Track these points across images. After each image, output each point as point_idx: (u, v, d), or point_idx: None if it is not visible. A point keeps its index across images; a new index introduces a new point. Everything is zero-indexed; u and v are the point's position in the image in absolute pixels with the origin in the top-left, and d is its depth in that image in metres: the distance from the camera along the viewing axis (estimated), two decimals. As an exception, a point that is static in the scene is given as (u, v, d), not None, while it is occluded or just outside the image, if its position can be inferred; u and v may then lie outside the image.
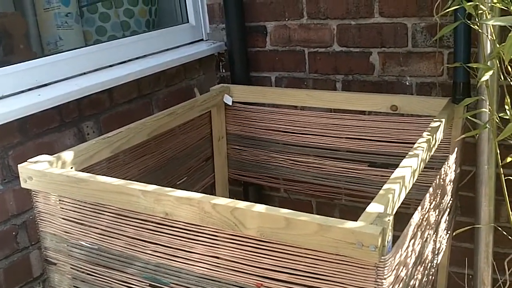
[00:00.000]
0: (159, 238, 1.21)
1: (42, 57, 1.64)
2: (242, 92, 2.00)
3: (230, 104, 1.99)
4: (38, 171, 1.28)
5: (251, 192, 2.24)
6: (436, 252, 1.49)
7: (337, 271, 1.04)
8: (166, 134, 1.75)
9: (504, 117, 1.33)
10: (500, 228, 1.58)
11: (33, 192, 1.33)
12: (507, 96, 1.33)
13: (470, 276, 1.85)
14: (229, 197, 2.12)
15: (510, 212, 1.40)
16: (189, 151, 1.90)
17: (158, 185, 1.20)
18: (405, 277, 1.15)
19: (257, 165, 2.03)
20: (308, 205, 2.22)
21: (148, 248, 1.23)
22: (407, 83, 1.92)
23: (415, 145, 1.33)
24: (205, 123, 1.96)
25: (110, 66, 1.80)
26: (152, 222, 1.20)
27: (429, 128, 1.44)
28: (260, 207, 1.06)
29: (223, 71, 2.24)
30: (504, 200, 1.39)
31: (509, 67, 1.29)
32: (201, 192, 1.81)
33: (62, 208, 1.31)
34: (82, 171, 1.36)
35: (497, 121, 1.33)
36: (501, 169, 1.37)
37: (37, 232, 1.38)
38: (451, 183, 1.59)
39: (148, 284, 1.28)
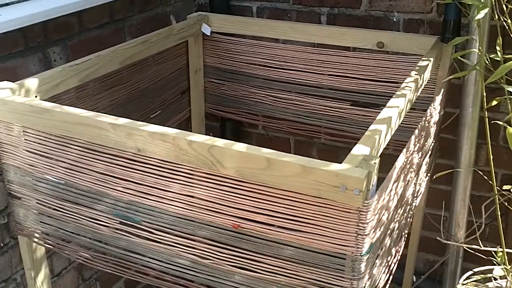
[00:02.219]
0: (131, 175, 1.15)
1: (4, -27, 1.50)
2: (222, 22, 1.90)
3: (209, 34, 1.89)
4: (-1, 98, 1.19)
5: (228, 128, 2.17)
6: (415, 195, 1.46)
7: (318, 214, 0.99)
8: (139, 64, 1.67)
9: (495, 58, 1.27)
10: (481, 172, 1.55)
11: (-6, 122, 1.24)
12: (500, 37, 1.27)
13: (445, 218, 1.85)
14: (205, 133, 2.06)
15: (491, 156, 1.36)
16: (163, 83, 1.81)
17: (131, 118, 1.12)
18: (386, 221, 1.11)
19: (235, 100, 1.96)
20: (286, 143, 2.17)
21: (119, 184, 1.17)
22: (395, 19, 1.83)
23: (403, 85, 1.27)
24: (182, 54, 1.87)
25: (80, -14, 1.66)
26: (123, 157, 1.13)
27: (417, 68, 1.37)
28: (239, 146, 1.00)
29: (201, -2, 2.12)
30: (484, 143, 1.35)
31: (504, 5, 1.22)
32: (176, 127, 1.75)
33: (26, 139, 1.23)
34: (48, 101, 1.27)
35: (486, 62, 1.27)
36: (486, 112, 1.32)
37: (0, 165, 1.29)
38: (435, 125, 1.54)
39: (118, 222, 1.22)
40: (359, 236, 0.97)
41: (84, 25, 1.64)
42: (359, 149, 1.00)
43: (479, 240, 1.54)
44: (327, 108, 1.83)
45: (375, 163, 0.95)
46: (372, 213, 0.96)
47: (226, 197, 1.06)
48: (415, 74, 1.33)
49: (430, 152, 1.55)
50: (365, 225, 0.96)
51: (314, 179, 0.94)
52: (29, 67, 1.49)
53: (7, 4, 1.46)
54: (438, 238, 1.63)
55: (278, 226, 1.04)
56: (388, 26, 1.85)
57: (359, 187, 0.91)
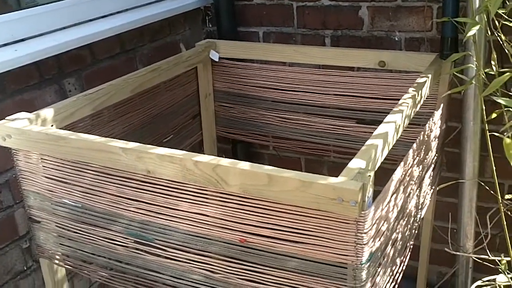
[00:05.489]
0: (143, 196, 1.21)
1: (19, 10, 1.58)
2: (229, 48, 1.97)
3: (217, 60, 1.96)
4: (17, 129, 1.26)
5: (239, 149, 2.23)
6: (419, 207, 1.50)
7: (319, 226, 1.04)
8: (150, 91, 1.74)
9: (490, 72, 1.31)
10: (483, 184, 1.58)
11: (13, 151, 1.32)
12: (494, 52, 1.32)
13: (455, 230, 1.88)
14: (218, 155, 2.12)
15: (494, 168, 1.40)
16: (175, 109, 1.88)
17: (144, 143, 1.18)
18: (386, 231, 1.15)
19: (245, 123, 2.03)
20: (297, 163, 2.22)
21: (131, 205, 1.23)
22: (396, 39, 1.89)
23: (400, 101, 1.32)
24: (191, 80, 1.94)
25: (91, 20, 1.75)
26: (134, 179, 1.20)
27: (415, 84, 1.42)
28: (242, 164, 1.06)
29: (210, 25, 2.20)
30: (488, 155, 1.39)
31: (495, 21, 1.27)
32: (189, 150, 1.82)
33: (44, 166, 1.30)
34: (65, 129, 1.35)
35: (483, 77, 1.32)
36: (486, 125, 1.36)
37: (20, 191, 1.37)
38: (436, 139, 1.58)
39: (133, 241, 1.28)
40: (358, 245, 1.02)
41: (96, 56, 1.73)
42: (355, 163, 1.05)
43: (487, 250, 1.57)
44: (334, 127, 1.88)
45: (369, 175, 1.00)
46: (369, 223, 1.01)
47: (232, 213, 1.12)
48: (413, 91, 1.38)
49: (433, 165, 1.59)
50: (363, 234, 1.01)
51: (313, 193, 0.99)
52: (46, 98, 1.58)
53: (22, 40, 1.55)
54: (446, 249, 1.66)
55: (282, 239, 1.09)
56: (390, 46, 1.91)
57: (355, 199, 0.96)
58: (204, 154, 2.03)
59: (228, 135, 2.09)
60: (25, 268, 1.59)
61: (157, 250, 1.25)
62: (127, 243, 1.29)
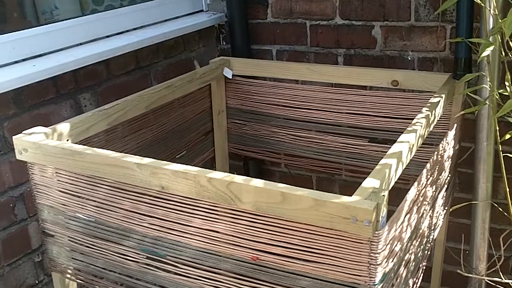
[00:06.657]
0: (156, 211, 1.21)
1: (37, 26, 1.61)
2: (243, 65, 1.98)
3: (230, 77, 1.97)
4: (33, 143, 1.28)
5: (251, 166, 2.24)
6: (432, 228, 1.49)
7: (332, 245, 1.04)
8: (164, 107, 1.75)
9: (504, 93, 1.31)
10: (496, 205, 1.57)
11: (29, 164, 1.33)
12: (508, 72, 1.32)
13: (467, 252, 1.86)
14: (229, 172, 2.12)
15: (507, 189, 1.39)
16: (188, 125, 1.89)
17: (157, 159, 1.19)
18: (399, 252, 1.15)
19: (257, 140, 2.03)
20: (309, 180, 2.22)
21: (145, 221, 1.24)
22: (409, 58, 1.90)
23: (414, 121, 1.32)
24: (205, 97, 1.95)
25: (107, 36, 1.78)
26: (148, 195, 1.20)
27: (429, 104, 1.42)
28: (256, 182, 1.06)
29: (224, 43, 2.22)
30: (502, 177, 1.38)
31: (510, 42, 1.27)
32: (201, 167, 1.83)
33: (59, 180, 1.31)
34: (79, 144, 1.36)
35: (497, 97, 1.32)
36: (500, 146, 1.36)
37: (35, 204, 1.38)
38: (450, 159, 1.58)
39: (145, 257, 1.28)
40: (372, 265, 1.01)
41: (112, 72, 1.75)
42: (369, 182, 1.05)
43: (500, 273, 1.55)
44: (346, 145, 1.88)
45: (383, 195, 1.00)
46: (383, 243, 1.01)
47: (245, 231, 1.12)
48: (426, 110, 1.38)
49: (446, 185, 1.59)
50: (377, 255, 1.00)
51: (326, 212, 0.99)
52: (61, 112, 1.60)
53: (40, 55, 1.57)
54: (459, 271, 1.65)
55: (294, 258, 1.08)
56: (403, 65, 1.91)
57: (369, 218, 0.96)
58: (216, 170, 2.06)
59: (240, 152, 2.10)
60: (37, 282, 1.60)
61: (169, 266, 1.25)
62: (139, 259, 1.29)
